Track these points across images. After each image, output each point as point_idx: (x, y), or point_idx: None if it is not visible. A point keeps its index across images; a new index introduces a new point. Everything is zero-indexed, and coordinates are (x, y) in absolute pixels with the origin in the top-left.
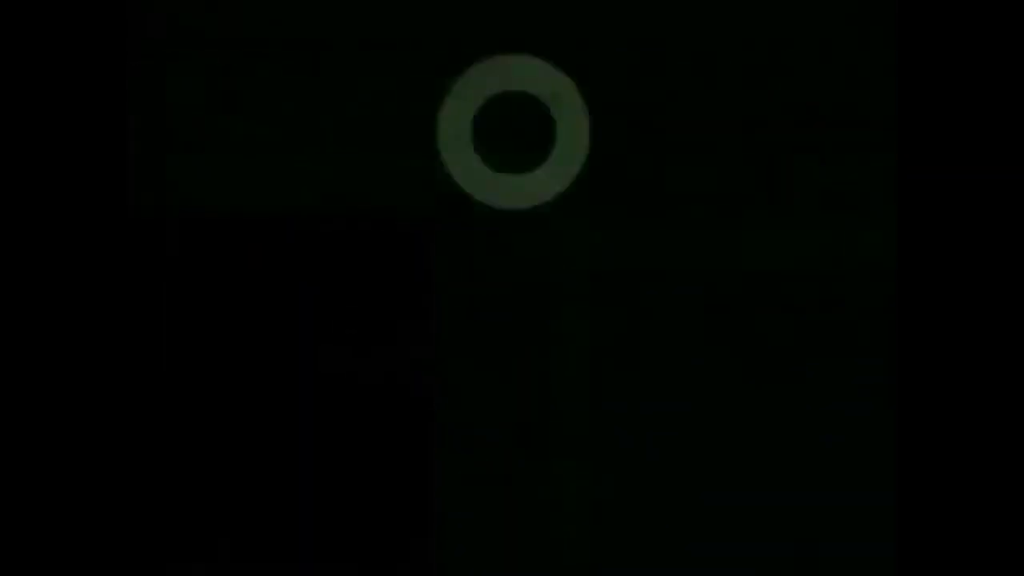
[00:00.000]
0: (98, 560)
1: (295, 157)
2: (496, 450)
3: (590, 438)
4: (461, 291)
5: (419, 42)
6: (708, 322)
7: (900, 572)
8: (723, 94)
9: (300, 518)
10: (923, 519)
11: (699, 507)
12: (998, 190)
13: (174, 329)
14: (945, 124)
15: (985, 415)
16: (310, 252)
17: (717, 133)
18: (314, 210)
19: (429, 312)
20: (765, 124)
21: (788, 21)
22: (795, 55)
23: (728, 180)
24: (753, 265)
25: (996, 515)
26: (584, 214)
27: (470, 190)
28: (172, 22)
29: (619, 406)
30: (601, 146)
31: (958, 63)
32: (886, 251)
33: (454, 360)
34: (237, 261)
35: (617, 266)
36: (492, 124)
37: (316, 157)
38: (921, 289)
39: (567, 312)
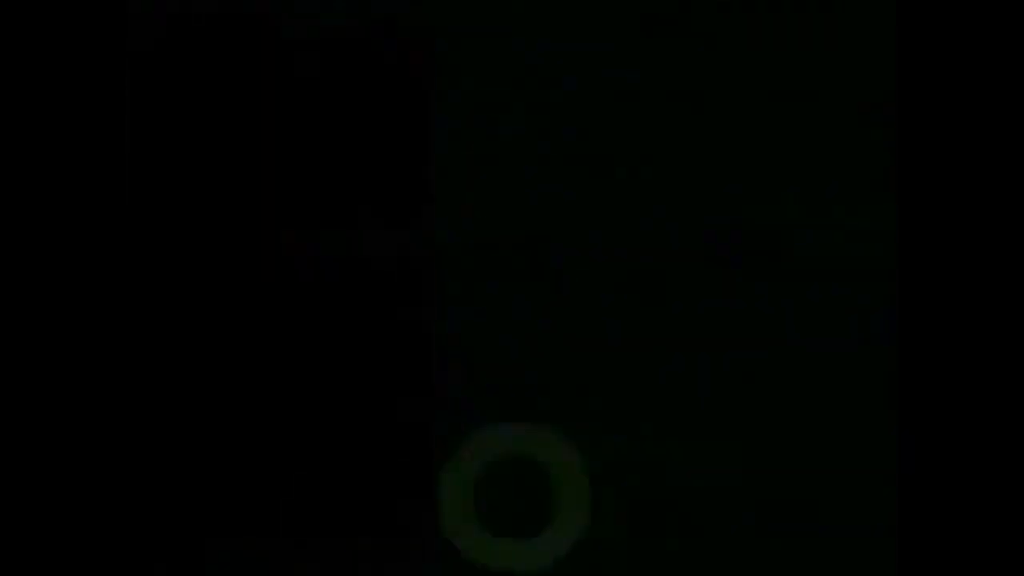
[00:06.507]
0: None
1: None
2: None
3: (590, 439)
4: (462, 293)
5: None
6: (708, 319)
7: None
8: (726, 94)
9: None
10: (924, 520)
11: (699, 505)
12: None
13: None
14: (946, 123)
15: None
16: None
17: (718, 135)
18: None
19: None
20: (767, 122)
21: (791, 21)
22: (798, 52)
23: (729, 178)
24: (755, 263)
25: (996, 515)
26: (585, 214)
27: (471, 554)
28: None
29: (620, 405)
30: (601, 516)
31: (959, 62)
32: (886, 247)
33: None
34: None
35: (617, 266)
36: (493, 489)
37: None
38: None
39: (566, 313)
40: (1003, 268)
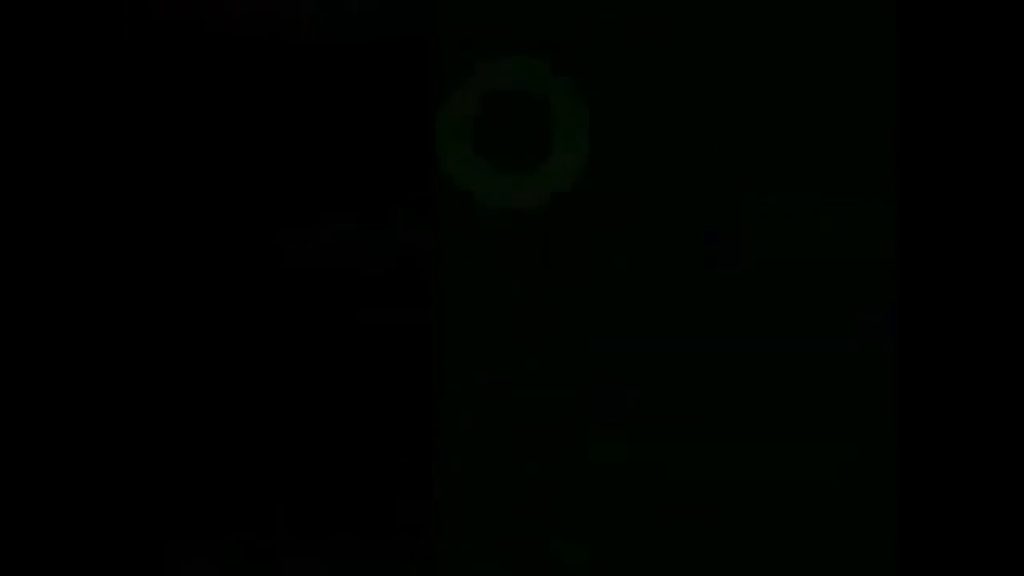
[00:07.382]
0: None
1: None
2: (497, 451)
3: (590, 438)
4: (462, 293)
5: (421, 41)
6: (708, 319)
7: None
8: (724, 90)
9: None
10: (924, 519)
11: (699, 505)
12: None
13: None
14: (946, 121)
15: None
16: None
17: (717, 130)
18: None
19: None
20: (765, 120)
21: (789, 16)
22: (796, 50)
23: (728, 177)
24: (755, 262)
25: (997, 514)
26: (584, 214)
27: (470, 191)
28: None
29: (620, 404)
30: (601, 146)
31: (959, 61)
32: (886, 246)
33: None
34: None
35: (617, 265)
36: (492, 124)
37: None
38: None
39: (566, 313)
40: (1003, 267)
